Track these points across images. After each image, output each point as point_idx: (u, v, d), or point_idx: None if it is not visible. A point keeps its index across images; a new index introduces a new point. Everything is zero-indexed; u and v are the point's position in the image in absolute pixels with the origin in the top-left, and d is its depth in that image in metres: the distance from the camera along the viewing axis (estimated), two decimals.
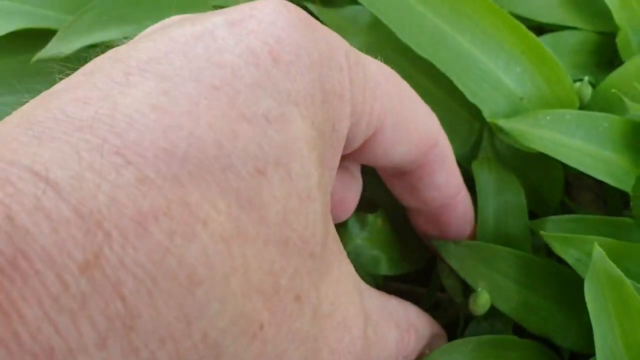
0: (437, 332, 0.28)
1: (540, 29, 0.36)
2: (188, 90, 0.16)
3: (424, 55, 0.28)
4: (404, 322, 0.25)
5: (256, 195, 0.16)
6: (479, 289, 0.27)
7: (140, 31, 0.31)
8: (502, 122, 0.28)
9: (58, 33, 0.31)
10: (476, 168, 0.30)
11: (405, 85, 0.24)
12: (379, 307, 0.23)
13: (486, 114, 0.29)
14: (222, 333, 0.15)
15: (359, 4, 0.29)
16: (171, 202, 0.14)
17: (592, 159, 0.28)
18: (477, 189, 0.29)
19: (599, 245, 0.24)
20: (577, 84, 0.31)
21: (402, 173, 0.26)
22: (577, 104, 0.31)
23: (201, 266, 0.14)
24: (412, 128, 0.23)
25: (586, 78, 0.31)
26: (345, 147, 0.22)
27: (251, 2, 0.19)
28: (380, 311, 0.23)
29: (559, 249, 0.26)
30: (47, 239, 0.13)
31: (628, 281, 0.23)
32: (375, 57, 0.26)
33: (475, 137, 0.31)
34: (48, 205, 0.13)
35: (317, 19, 0.29)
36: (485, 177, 0.30)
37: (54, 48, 0.31)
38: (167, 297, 0.14)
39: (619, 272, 0.23)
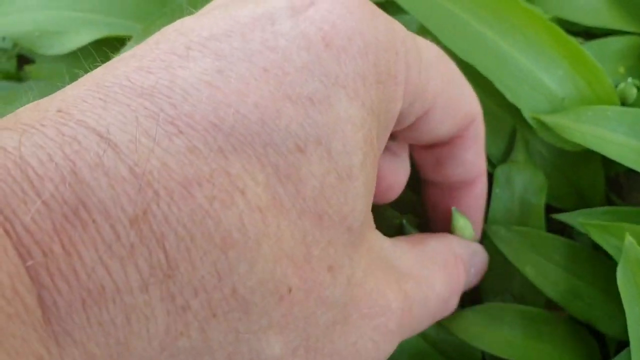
0: (477, 249, 0.28)
1: (587, 32, 0.36)
2: (240, 70, 0.17)
3: (466, 59, 0.29)
4: (450, 258, 0.25)
5: (294, 171, 0.17)
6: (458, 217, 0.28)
7: None
8: (544, 117, 0.30)
9: (133, 38, 0.34)
10: (502, 169, 0.31)
11: (453, 65, 0.25)
12: (417, 259, 0.24)
13: (526, 113, 0.30)
14: (250, 291, 0.17)
15: (408, 13, 0.31)
16: (214, 170, 0.16)
17: (634, 153, 0.29)
18: (497, 189, 0.31)
19: (632, 233, 0.25)
20: (622, 84, 0.32)
21: (434, 146, 0.27)
22: (618, 105, 0.31)
23: (236, 230, 0.16)
24: (459, 106, 0.25)
25: (630, 79, 0.32)
26: (396, 124, 0.23)
27: None
28: (419, 262, 0.24)
29: (597, 237, 0.27)
30: (104, 193, 0.15)
31: None
32: None
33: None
34: (107, 164, 0.15)
35: None
36: (511, 178, 0.31)
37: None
38: (202, 254, 0.16)
39: None
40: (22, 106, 0.17)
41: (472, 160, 0.27)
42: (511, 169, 0.31)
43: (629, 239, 0.25)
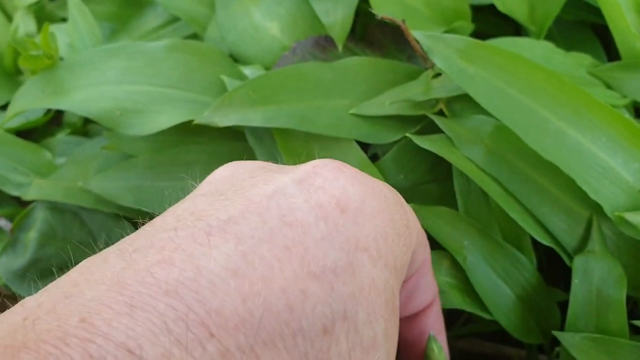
0: None
1: None
2: (263, 252, 0.17)
3: (548, 158, 0.30)
4: None
5: (323, 355, 0.17)
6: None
7: (279, 112, 0.35)
8: (627, 216, 0.30)
9: (213, 105, 0.36)
10: (580, 260, 0.31)
11: None
12: None
13: (607, 209, 0.30)
14: None
15: (482, 114, 0.32)
16: None
17: None
18: (575, 279, 0.31)
19: None
20: None
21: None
22: None
23: None
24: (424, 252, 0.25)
25: None
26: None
27: (312, 162, 0.21)
28: None
29: None
30: None
31: None
32: (499, 163, 0.29)
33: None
34: None
35: (441, 131, 0.32)
36: (589, 269, 0.31)
37: (209, 118, 0.36)
38: None
39: None
40: None
41: (428, 283, 0.27)
42: (588, 259, 0.31)
43: None
